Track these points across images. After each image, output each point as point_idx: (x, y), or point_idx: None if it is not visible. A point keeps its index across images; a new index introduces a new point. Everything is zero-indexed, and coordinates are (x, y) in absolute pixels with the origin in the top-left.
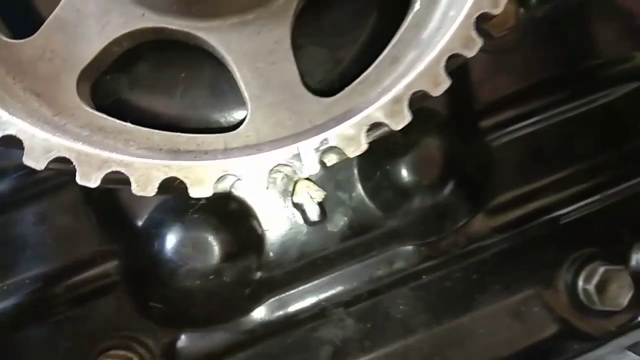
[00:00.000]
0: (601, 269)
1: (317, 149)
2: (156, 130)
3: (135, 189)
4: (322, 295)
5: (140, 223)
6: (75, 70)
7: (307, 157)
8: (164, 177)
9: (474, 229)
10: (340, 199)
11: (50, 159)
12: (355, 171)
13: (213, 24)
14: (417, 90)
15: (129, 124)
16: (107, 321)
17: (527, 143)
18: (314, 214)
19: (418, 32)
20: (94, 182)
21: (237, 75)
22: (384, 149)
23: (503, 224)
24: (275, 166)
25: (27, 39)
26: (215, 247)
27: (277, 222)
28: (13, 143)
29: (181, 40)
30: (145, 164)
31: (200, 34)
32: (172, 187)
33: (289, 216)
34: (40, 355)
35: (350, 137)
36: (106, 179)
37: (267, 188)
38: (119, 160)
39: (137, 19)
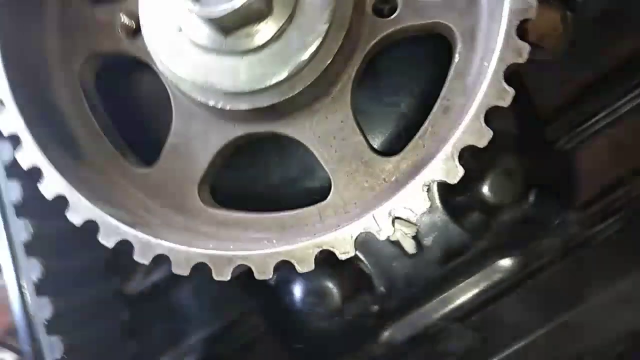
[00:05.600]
0: None
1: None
2: (265, 215)
3: (257, 275)
4: (437, 315)
5: (272, 282)
6: (194, 182)
7: (383, 223)
8: (275, 262)
9: (568, 228)
10: (431, 229)
11: (192, 265)
12: (439, 203)
13: (288, 120)
14: (463, 146)
15: (244, 214)
16: None
17: (601, 137)
18: (410, 247)
19: (462, 80)
20: (226, 276)
21: (317, 154)
22: None
23: (595, 216)
24: (359, 235)
25: (154, 167)
26: (333, 291)
27: (380, 260)
28: (162, 259)
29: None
30: (259, 255)
31: (280, 130)
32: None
33: (390, 253)
34: None
35: (414, 202)
36: (234, 271)
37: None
38: (240, 255)
39: (230, 131)
